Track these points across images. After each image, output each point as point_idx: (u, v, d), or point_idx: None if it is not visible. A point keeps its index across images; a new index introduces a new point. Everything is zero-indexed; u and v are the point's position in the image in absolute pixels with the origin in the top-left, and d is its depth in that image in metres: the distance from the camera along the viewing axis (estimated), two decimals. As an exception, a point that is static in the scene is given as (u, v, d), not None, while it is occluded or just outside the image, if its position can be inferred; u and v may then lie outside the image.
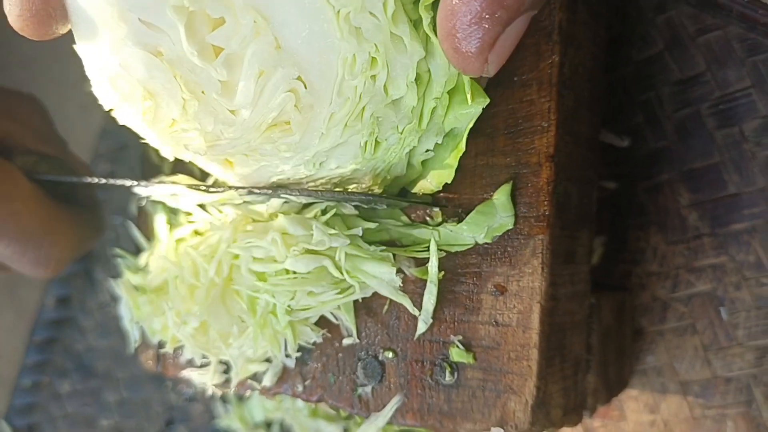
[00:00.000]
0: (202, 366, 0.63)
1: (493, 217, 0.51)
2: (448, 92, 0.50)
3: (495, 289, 0.52)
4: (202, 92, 0.47)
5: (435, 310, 0.54)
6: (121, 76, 0.46)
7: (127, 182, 0.60)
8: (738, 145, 0.64)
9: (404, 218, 0.56)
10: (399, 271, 0.54)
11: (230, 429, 0.97)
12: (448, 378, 0.53)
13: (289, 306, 0.55)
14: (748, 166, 0.64)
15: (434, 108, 0.50)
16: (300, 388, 0.59)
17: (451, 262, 0.53)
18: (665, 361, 0.70)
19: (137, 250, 0.71)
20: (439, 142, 0.53)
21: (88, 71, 0.50)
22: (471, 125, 0.51)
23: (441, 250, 0.53)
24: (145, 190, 0.62)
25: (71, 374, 1.12)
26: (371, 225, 0.55)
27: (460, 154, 0.52)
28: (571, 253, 0.54)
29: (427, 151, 0.53)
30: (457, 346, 0.53)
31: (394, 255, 0.55)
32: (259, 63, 0.44)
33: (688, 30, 0.64)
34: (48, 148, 0.69)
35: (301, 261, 0.53)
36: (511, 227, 0.51)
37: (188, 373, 0.65)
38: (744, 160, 0.64)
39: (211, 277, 0.55)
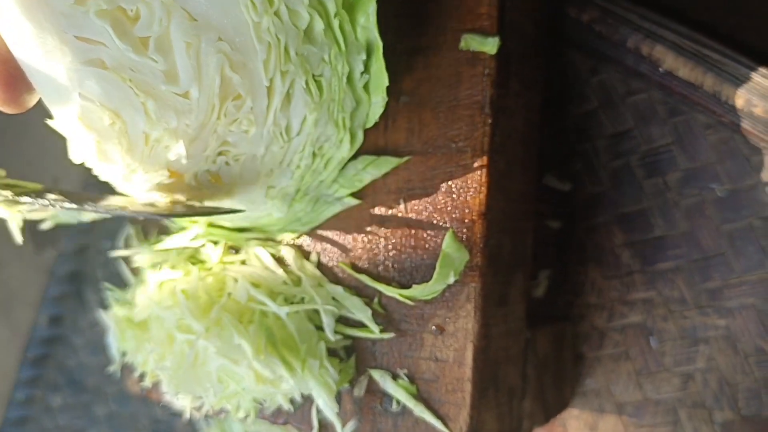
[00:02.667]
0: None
1: (452, 261, 0.58)
2: (343, 7, 0.54)
3: (435, 329, 0.59)
4: (153, 88, 0.51)
5: (384, 345, 0.61)
6: (85, 108, 0.50)
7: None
8: (662, 193, 0.72)
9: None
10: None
11: (211, 442, 1.04)
12: (395, 407, 0.60)
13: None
14: (671, 212, 0.72)
15: (341, 25, 0.54)
16: (267, 412, 0.67)
17: (399, 305, 0.61)
18: (603, 384, 0.78)
19: (125, 281, 0.78)
20: (365, 58, 0.57)
21: (64, 130, 0.56)
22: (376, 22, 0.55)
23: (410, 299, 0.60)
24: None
25: (63, 389, 1.19)
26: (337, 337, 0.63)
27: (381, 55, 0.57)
28: (503, 296, 0.62)
29: (362, 74, 0.58)
30: (403, 379, 0.60)
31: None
32: (183, 37, 0.48)
33: (619, 91, 0.72)
34: None
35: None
36: (468, 258, 0.57)
37: (169, 399, 0.72)
38: (668, 206, 0.72)
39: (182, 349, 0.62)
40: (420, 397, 0.59)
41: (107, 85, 0.49)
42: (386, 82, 0.56)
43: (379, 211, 0.62)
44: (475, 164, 0.58)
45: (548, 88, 0.71)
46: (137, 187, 0.57)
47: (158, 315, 0.65)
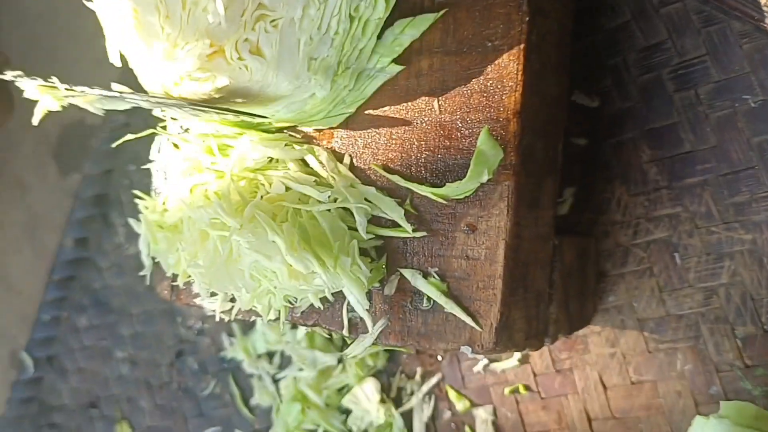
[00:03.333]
0: (212, 295, 0.72)
1: (487, 159, 0.58)
2: None
3: (467, 228, 0.60)
4: None
5: (416, 245, 0.62)
6: None
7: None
8: (693, 107, 0.72)
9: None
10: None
11: (235, 359, 1.07)
12: (425, 304, 0.61)
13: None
14: (701, 126, 0.72)
15: None
16: (298, 313, 0.68)
17: (430, 204, 0.61)
18: (625, 300, 0.79)
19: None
20: None
21: (101, 12, 0.56)
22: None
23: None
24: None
25: (88, 310, 1.22)
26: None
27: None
28: (535, 198, 0.62)
29: None
30: (434, 277, 0.61)
31: None
32: None
33: (653, 2, 0.71)
34: None
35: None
36: (503, 156, 0.58)
37: (199, 302, 0.73)
38: (698, 120, 0.72)
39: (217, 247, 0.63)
40: (451, 294, 0.60)
41: None
42: None
43: (412, 112, 0.63)
44: (511, 63, 0.58)
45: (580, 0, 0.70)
46: (180, 67, 0.57)
47: (191, 216, 0.66)
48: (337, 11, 0.60)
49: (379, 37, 0.63)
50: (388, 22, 0.63)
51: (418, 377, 0.93)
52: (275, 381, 1.03)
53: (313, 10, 0.58)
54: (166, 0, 0.53)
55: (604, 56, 0.76)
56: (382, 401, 0.93)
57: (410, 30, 0.62)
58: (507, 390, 0.86)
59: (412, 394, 0.93)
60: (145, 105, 0.62)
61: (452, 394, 0.90)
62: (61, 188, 1.24)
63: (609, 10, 0.75)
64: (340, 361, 0.96)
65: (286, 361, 1.02)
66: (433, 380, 0.91)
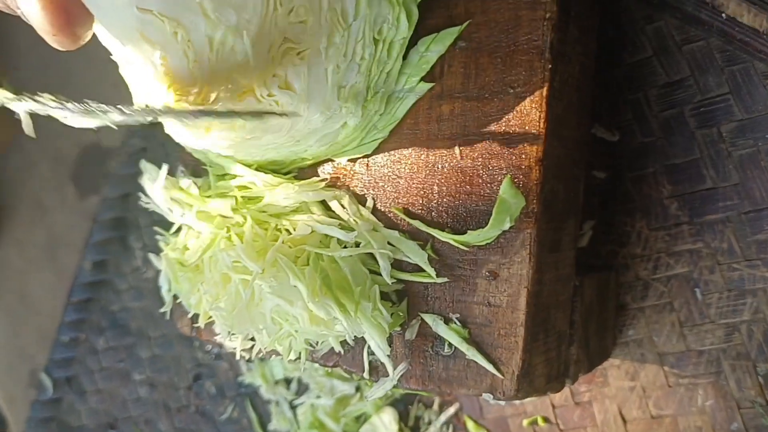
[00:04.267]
0: (232, 334, 0.72)
1: (509, 207, 0.58)
2: None
3: (489, 275, 0.60)
4: None
5: (437, 290, 0.62)
6: (145, 21, 0.50)
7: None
8: (716, 144, 0.71)
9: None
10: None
11: (253, 385, 1.07)
12: (446, 350, 0.61)
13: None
14: (724, 164, 0.71)
15: None
16: (318, 355, 0.68)
17: (451, 249, 0.61)
18: (645, 334, 0.79)
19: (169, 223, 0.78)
20: None
21: (127, 73, 0.56)
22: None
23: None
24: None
25: (107, 332, 1.22)
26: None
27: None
28: (556, 242, 0.62)
29: None
30: (455, 323, 0.61)
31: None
32: None
33: (675, 39, 0.71)
34: None
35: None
36: (524, 204, 0.58)
37: (219, 340, 0.74)
38: (721, 158, 0.71)
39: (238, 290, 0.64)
40: (472, 340, 0.60)
41: None
42: None
43: (433, 157, 0.63)
44: (534, 110, 0.58)
45: (602, 35, 0.70)
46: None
47: (213, 257, 0.66)
48: (361, 36, 0.59)
49: (404, 58, 0.63)
50: (411, 43, 0.63)
51: (435, 407, 0.93)
52: (293, 407, 1.03)
53: (338, 38, 0.58)
54: (193, 44, 0.53)
55: (626, 91, 0.76)
56: (400, 431, 0.93)
57: (435, 46, 0.62)
58: (526, 422, 0.86)
59: (429, 423, 0.93)
60: (144, 118, 0.60)
61: (470, 425, 0.89)
62: (80, 210, 1.25)
63: (630, 45, 0.74)
64: (357, 389, 0.96)
65: (303, 388, 1.03)
66: (451, 410, 0.91)
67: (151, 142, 1.14)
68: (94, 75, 1.13)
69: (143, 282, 1.17)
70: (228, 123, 0.60)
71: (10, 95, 0.57)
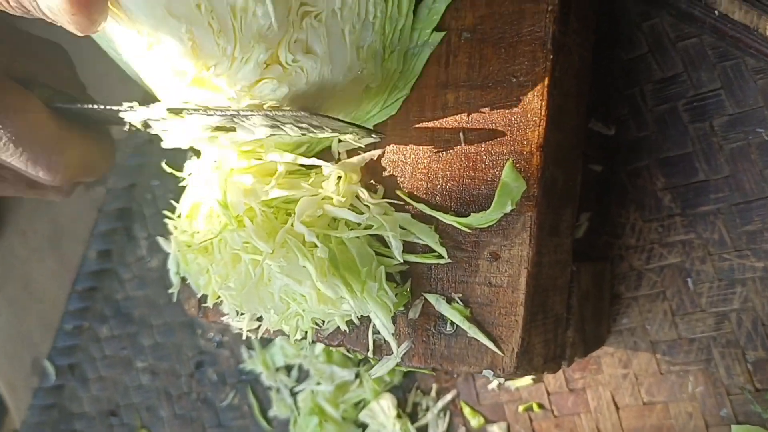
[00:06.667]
0: (239, 314, 0.74)
1: (510, 191, 0.61)
2: None
3: (490, 256, 0.62)
4: None
5: (440, 271, 0.65)
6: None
7: (124, 106, 0.67)
8: (708, 137, 0.74)
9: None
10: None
11: (254, 372, 1.09)
12: (449, 328, 0.64)
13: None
14: (716, 157, 0.74)
15: None
16: (324, 335, 0.70)
17: (455, 231, 0.64)
18: (638, 323, 0.81)
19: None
20: None
21: (130, 43, 0.58)
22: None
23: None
24: (142, 113, 0.67)
25: (110, 320, 1.24)
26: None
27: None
28: (555, 227, 0.65)
29: None
30: (457, 302, 0.64)
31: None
32: None
33: (670, 36, 0.74)
34: (66, 86, 0.78)
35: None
36: (525, 188, 0.60)
37: (226, 320, 0.76)
38: (712, 151, 0.74)
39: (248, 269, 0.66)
40: (473, 319, 0.63)
41: None
42: None
43: (438, 143, 0.65)
44: (535, 99, 0.60)
45: (599, 31, 0.73)
46: (238, 82, 0.59)
47: (223, 238, 0.69)
48: None
49: (414, 14, 0.66)
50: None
51: (433, 393, 0.95)
52: (293, 394, 1.05)
53: None
54: (216, 11, 0.55)
55: (621, 86, 0.79)
56: (398, 416, 0.95)
57: None
58: (521, 407, 0.88)
59: (427, 409, 0.95)
60: (219, 120, 0.63)
61: (467, 411, 0.92)
62: (86, 201, 1.27)
63: (626, 42, 0.77)
64: (357, 376, 0.99)
65: (303, 375, 1.05)
66: (448, 397, 0.94)
67: (158, 135, 1.16)
68: (102, 69, 1.15)
69: (147, 272, 1.19)
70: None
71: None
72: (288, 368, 1.07)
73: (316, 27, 0.61)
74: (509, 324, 0.61)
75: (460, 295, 0.64)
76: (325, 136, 0.67)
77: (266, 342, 1.08)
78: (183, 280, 0.80)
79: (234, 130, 0.66)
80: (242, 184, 0.68)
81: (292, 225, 0.66)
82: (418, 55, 0.67)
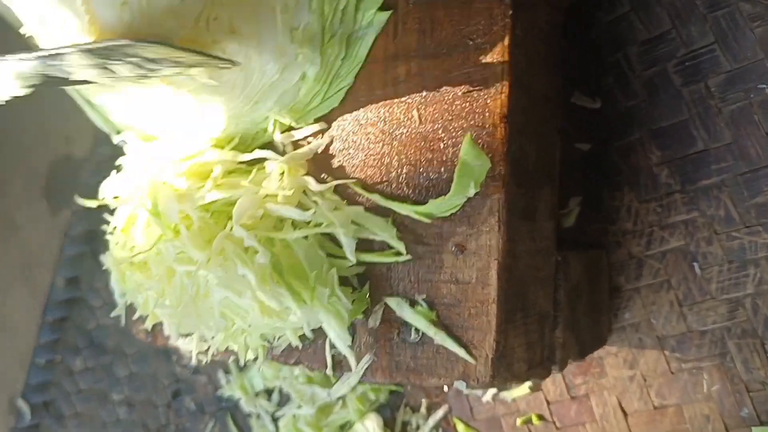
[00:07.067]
0: (185, 336, 0.66)
1: (472, 170, 0.52)
2: None
3: (455, 249, 0.54)
4: None
5: (400, 270, 0.56)
6: None
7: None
8: (704, 100, 0.65)
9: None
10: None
11: (233, 398, 1.01)
12: (413, 336, 0.55)
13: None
14: (714, 122, 0.65)
15: None
16: (277, 352, 0.62)
17: (414, 224, 0.55)
18: (642, 317, 0.72)
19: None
20: None
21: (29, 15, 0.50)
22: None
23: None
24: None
25: (83, 351, 1.17)
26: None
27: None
28: (530, 210, 0.56)
29: None
30: (421, 305, 0.55)
31: None
32: None
33: (653, -12, 0.65)
34: None
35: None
36: (490, 166, 0.52)
37: (175, 344, 0.68)
38: (710, 115, 0.65)
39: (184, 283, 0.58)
40: (441, 323, 0.54)
41: None
42: None
43: (390, 124, 0.57)
44: (495, 61, 0.52)
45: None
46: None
47: (158, 249, 0.61)
48: None
49: None
50: None
51: (423, 410, 0.86)
52: (274, 419, 0.97)
53: None
54: None
55: (604, 53, 0.70)
56: (387, 437, 0.87)
57: None
58: (519, 420, 0.79)
59: (418, 428, 0.86)
60: (33, 66, 0.53)
61: (461, 427, 0.83)
62: (53, 226, 1.20)
63: (606, 2, 0.69)
64: (340, 396, 0.90)
65: (285, 398, 0.96)
66: (440, 413, 0.84)
67: (120, 151, 1.09)
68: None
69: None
70: (174, 75, 0.54)
71: None
72: (268, 392, 0.98)
73: (242, 3, 0.53)
74: (481, 326, 0.52)
75: (424, 296, 0.55)
76: (166, 75, 0.55)
77: (243, 365, 0.99)
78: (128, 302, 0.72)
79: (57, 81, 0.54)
80: (176, 189, 0.60)
81: (231, 229, 0.58)
82: (362, 39, 0.59)
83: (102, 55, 0.51)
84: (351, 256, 0.56)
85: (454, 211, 0.53)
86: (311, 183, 0.58)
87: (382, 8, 0.57)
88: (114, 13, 0.49)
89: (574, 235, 0.74)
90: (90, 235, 1.14)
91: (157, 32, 0.50)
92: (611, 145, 0.72)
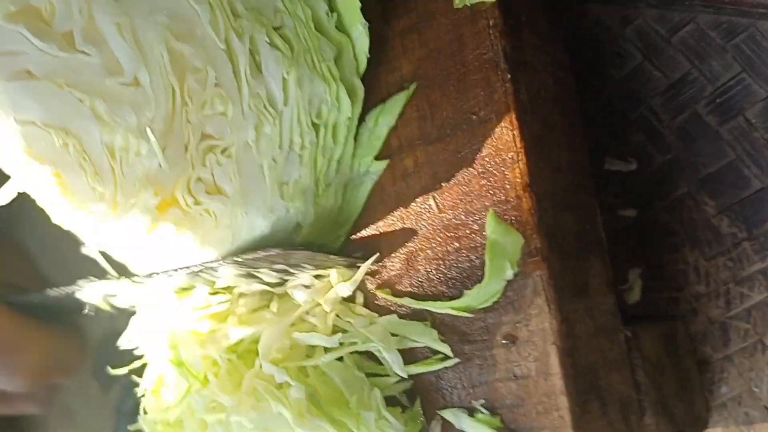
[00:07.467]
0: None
1: (503, 249, 0.47)
2: None
3: (506, 340, 0.47)
4: (96, 86, 0.44)
5: (450, 376, 0.50)
6: (28, 135, 0.43)
7: (79, 283, 0.58)
8: (747, 135, 0.60)
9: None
10: None
11: None
12: (480, 450, 0.48)
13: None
14: (764, 155, 0.59)
15: None
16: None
17: (455, 322, 0.49)
18: (742, 387, 0.63)
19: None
20: None
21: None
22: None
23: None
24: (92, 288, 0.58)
25: None
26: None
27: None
28: (581, 285, 0.50)
29: (329, 14, 0.53)
30: (481, 412, 0.48)
31: None
32: (110, 19, 0.43)
33: (660, 32, 0.61)
34: (22, 281, 0.70)
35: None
36: (523, 241, 0.47)
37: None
38: (758, 148, 0.59)
39: None
40: (507, 429, 0.47)
41: (43, 97, 0.42)
42: (358, 4, 0.51)
43: (409, 220, 0.53)
44: (504, 131, 0.48)
45: (580, 57, 0.61)
46: (132, 229, 0.48)
47: (188, 403, 0.56)
48: (296, 122, 0.52)
49: (356, 139, 0.55)
50: (363, 120, 0.55)
51: None
52: None
53: (268, 127, 0.50)
54: (89, 154, 0.45)
55: (627, 110, 0.66)
56: None
57: (384, 118, 0.54)
58: None
59: None
60: (185, 278, 0.54)
61: None
62: (104, 404, 1.16)
63: (615, 57, 0.65)
64: None
65: None
66: None
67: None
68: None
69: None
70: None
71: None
72: None
73: (224, 164, 0.50)
74: (553, 424, 0.45)
75: (483, 401, 0.48)
76: (305, 276, 0.56)
77: None
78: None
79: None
80: (197, 334, 0.56)
81: (260, 367, 0.53)
82: (359, 187, 0.56)
83: (249, 264, 0.52)
84: (401, 371, 0.50)
85: (495, 298, 0.47)
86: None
87: (377, 157, 0.55)
88: (83, 182, 0.47)
89: (643, 311, 0.67)
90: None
91: (133, 202, 0.48)
92: (658, 206, 0.66)
